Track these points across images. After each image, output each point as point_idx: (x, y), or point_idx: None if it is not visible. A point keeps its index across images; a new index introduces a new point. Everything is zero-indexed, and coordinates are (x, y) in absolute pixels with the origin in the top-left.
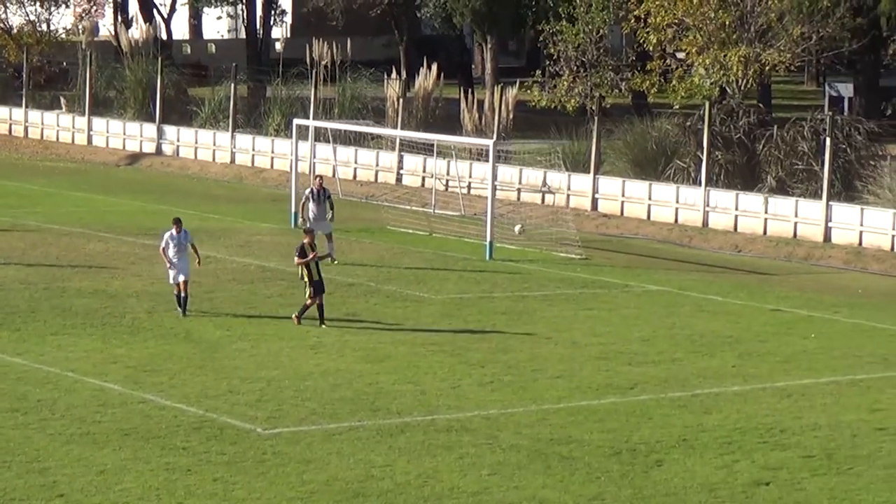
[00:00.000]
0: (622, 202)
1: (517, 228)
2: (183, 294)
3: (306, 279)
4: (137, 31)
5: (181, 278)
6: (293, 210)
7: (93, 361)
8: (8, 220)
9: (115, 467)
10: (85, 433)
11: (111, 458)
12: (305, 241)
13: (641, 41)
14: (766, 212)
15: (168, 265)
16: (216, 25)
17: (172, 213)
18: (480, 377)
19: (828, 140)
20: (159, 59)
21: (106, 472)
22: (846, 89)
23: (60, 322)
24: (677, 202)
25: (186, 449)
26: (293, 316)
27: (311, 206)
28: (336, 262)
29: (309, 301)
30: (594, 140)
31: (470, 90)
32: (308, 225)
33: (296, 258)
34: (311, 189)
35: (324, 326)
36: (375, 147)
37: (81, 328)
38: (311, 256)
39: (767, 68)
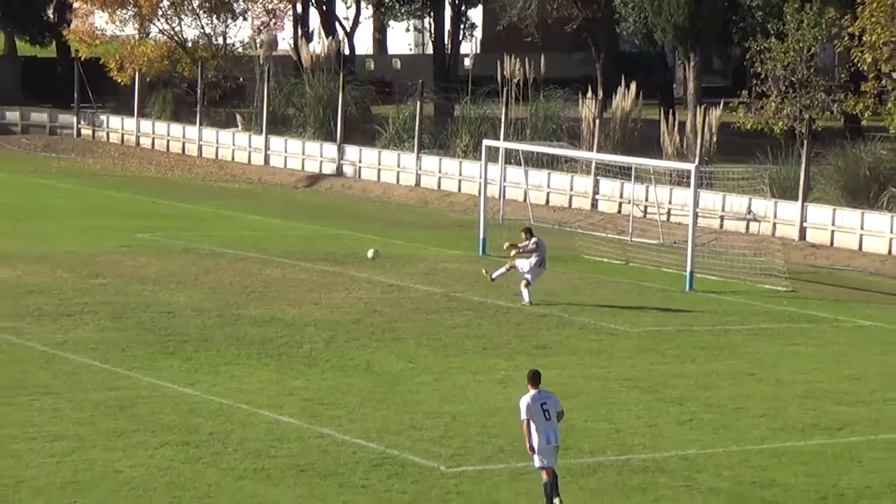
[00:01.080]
0: (832, 231)
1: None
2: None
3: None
4: (318, 45)
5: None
6: (481, 236)
7: (268, 393)
8: (181, 244)
9: None
10: (259, 468)
11: (286, 496)
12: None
13: (855, 60)
14: None
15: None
16: (402, 40)
17: (353, 238)
18: (678, 415)
19: None
20: (341, 74)
21: None
22: None
23: (234, 351)
24: (892, 232)
25: (366, 487)
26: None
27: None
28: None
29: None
30: (803, 165)
31: (671, 111)
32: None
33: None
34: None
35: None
36: (569, 171)
37: (256, 358)
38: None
39: None
